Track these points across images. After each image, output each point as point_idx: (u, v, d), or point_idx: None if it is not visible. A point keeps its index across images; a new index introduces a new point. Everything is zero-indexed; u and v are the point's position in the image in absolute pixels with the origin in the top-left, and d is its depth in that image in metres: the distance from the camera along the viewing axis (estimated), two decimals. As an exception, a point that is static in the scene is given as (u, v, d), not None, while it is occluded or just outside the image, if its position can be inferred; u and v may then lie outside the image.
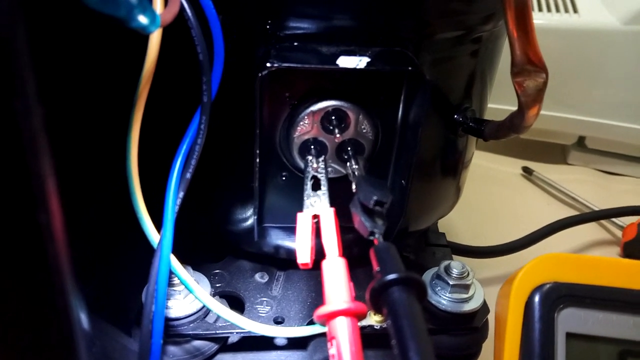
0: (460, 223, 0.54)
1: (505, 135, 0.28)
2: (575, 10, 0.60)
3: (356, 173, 0.26)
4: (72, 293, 0.14)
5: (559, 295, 0.26)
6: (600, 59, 0.59)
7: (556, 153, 0.70)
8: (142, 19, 0.17)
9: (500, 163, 0.68)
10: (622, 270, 0.27)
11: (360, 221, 0.22)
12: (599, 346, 0.26)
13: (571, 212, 0.56)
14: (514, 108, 0.26)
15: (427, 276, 0.32)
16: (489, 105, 0.35)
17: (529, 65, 0.23)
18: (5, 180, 0.11)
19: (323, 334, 0.28)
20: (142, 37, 0.21)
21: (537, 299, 0.26)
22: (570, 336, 0.26)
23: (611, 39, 0.57)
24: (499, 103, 0.45)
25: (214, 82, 0.24)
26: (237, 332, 0.29)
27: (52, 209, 0.12)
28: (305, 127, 0.27)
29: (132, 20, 0.17)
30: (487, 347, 0.32)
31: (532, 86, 0.24)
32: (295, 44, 0.24)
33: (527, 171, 0.66)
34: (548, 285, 0.26)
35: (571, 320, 0.26)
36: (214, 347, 0.30)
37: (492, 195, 0.62)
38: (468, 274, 0.31)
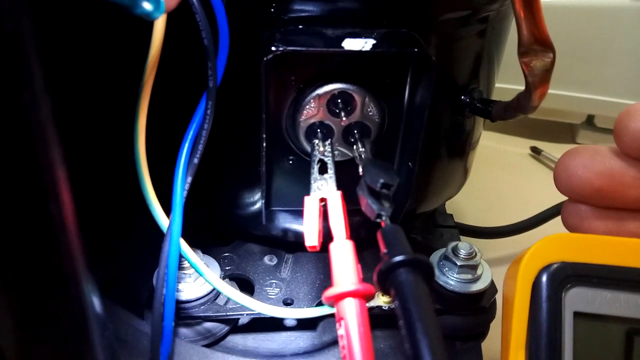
0: (467, 204, 0.54)
1: (512, 115, 0.28)
2: (584, -13, 0.59)
3: (363, 156, 0.26)
4: (84, 278, 0.15)
5: (567, 275, 0.26)
6: (609, 36, 0.58)
7: (565, 132, 0.69)
8: (147, 5, 0.17)
9: (508, 143, 0.68)
10: (630, 249, 0.27)
11: (367, 204, 0.22)
12: (606, 325, 0.26)
13: (580, 192, 0.56)
14: (522, 87, 0.26)
15: (435, 257, 0.33)
16: (497, 85, 0.35)
17: (536, 45, 0.23)
18: (15, 170, 0.11)
19: (332, 315, 0.28)
20: (147, 23, 0.21)
21: (544, 278, 0.26)
22: (577, 315, 0.26)
23: (621, 16, 0.57)
24: (507, 83, 0.45)
25: (219, 67, 0.23)
26: (247, 314, 0.30)
27: (62, 198, 0.12)
28: (312, 111, 0.27)
29: (136, 6, 0.17)
30: (495, 327, 0.32)
31: (539, 66, 0.24)
32: (300, 27, 0.24)
33: (535, 151, 0.66)
34: (555, 265, 0.26)
35: (578, 299, 0.26)
36: (225, 328, 0.31)
37: (500, 176, 0.62)
38: (476, 255, 0.31)
